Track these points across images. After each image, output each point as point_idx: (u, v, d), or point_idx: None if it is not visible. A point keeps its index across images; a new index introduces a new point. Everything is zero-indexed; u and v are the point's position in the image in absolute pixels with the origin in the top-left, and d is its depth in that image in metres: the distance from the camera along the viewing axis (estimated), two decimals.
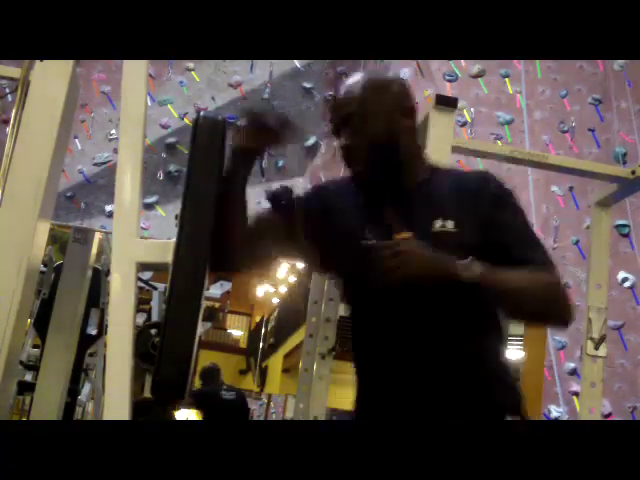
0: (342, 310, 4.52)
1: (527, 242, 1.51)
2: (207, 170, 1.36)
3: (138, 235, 1.46)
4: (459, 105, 2.39)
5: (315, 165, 4.96)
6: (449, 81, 4.80)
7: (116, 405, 1.40)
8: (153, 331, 2.63)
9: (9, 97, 3.93)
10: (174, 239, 1.37)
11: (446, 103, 2.34)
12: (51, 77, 1.60)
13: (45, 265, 4.36)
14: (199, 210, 1.34)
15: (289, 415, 11.58)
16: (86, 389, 5.44)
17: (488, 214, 1.48)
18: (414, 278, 1.36)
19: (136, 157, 1.48)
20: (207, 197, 1.35)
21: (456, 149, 2.55)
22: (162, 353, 1.28)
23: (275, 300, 14.02)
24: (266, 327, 14.38)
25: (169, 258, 1.37)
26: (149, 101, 4.71)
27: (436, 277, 1.38)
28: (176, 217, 1.46)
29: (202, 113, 1.38)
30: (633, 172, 2.67)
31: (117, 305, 1.42)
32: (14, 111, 1.52)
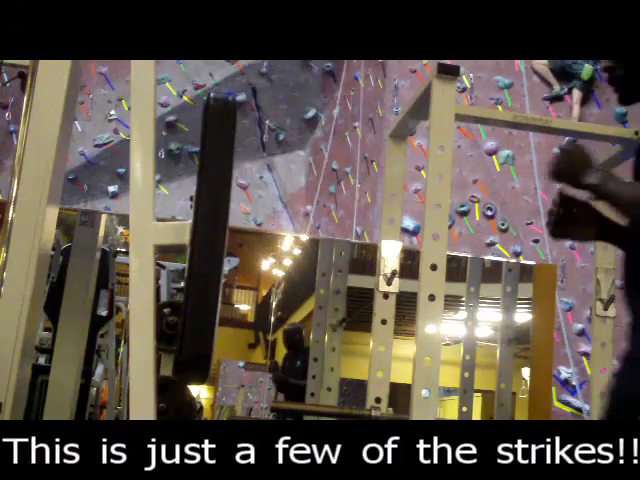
0: (351, 281, 4.56)
1: None
2: (221, 152, 1.39)
3: (154, 218, 1.48)
4: None
5: (316, 137, 4.96)
6: None
7: (141, 384, 1.42)
8: (166, 310, 2.64)
9: (8, 84, 3.93)
10: (190, 221, 1.40)
11: (448, 72, 2.33)
12: (52, 66, 1.60)
13: (53, 249, 4.39)
14: (214, 191, 1.38)
15: None
16: (99, 370, 5.50)
17: None
18: (554, 174, 1.80)
19: (149, 140, 1.49)
20: (222, 179, 1.39)
21: (460, 117, 2.55)
22: (185, 333, 1.31)
23: (281, 273, 14.02)
24: (273, 300, 14.40)
25: (186, 239, 1.40)
26: None
27: (568, 178, 1.79)
28: (191, 199, 1.49)
29: (212, 95, 1.40)
30: (636, 132, 2.67)
31: (137, 289, 1.44)
32: (25, 100, 1.53)
